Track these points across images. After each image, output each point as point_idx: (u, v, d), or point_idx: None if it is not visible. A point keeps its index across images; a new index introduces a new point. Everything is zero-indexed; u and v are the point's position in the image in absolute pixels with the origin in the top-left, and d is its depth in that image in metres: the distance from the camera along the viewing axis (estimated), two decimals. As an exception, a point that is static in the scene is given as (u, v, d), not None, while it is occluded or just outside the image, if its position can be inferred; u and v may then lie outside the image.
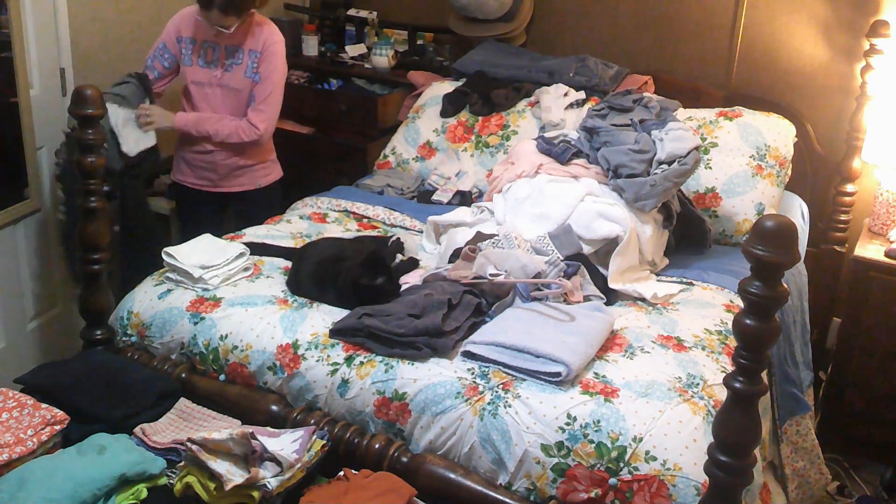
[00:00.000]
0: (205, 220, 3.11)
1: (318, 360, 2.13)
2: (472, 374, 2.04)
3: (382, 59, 3.89)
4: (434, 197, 3.18)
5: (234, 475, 1.76)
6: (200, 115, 3.05)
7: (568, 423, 1.89)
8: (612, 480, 1.83)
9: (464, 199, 3.15)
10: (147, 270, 2.52)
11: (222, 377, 2.25)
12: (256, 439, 1.82)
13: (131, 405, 2.04)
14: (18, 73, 2.80)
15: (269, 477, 1.79)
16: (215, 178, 3.15)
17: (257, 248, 2.62)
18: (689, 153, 2.63)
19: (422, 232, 2.89)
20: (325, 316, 2.26)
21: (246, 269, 2.48)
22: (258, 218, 2.99)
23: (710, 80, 3.52)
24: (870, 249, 3.04)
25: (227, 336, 2.24)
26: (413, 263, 2.61)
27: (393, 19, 4.11)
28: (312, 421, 2.04)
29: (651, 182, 2.57)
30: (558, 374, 1.97)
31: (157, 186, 3.60)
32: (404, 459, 1.96)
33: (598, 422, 1.88)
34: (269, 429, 1.97)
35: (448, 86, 3.59)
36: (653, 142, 2.70)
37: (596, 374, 2.04)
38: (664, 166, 2.62)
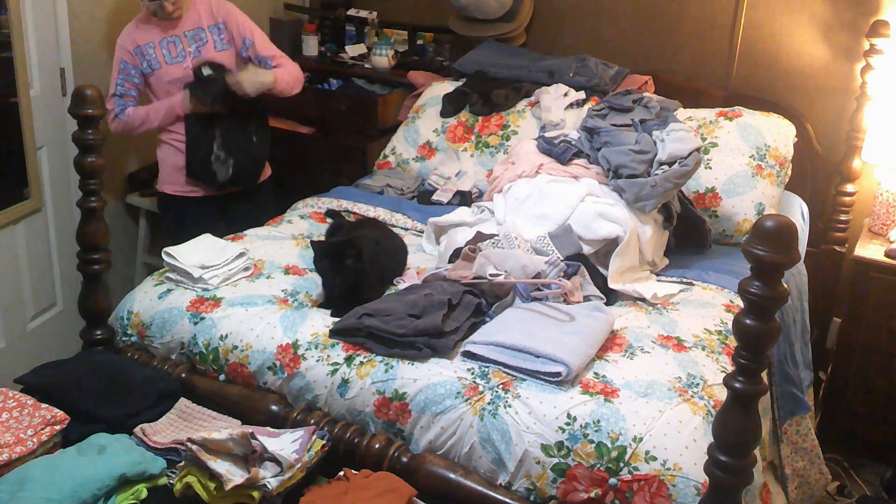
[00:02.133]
0: (198, 229, 2.94)
1: (318, 360, 2.13)
2: (472, 374, 2.04)
3: (382, 59, 3.89)
4: (434, 197, 3.18)
5: (234, 475, 1.76)
6: (274, 72, 3.04)
7: (568, 423, 1.89)
8: (612, 480, 1.83)
9: (464, 199, 3.15)
10: None
11: (222, 377, 2.25)
12: (256, 439, 1.82)
13: (131, 405, 2.03)
14: (18, 73, 2.80)
15: (269, 477, 1.79)
16: None
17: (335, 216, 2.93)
18: (690, 154, 2.63)
19: (422, 233, 2.89)
20: (325, 316, 2.27)
21: (246, 268, 2.49)
22: (254, 219, 2.96)
23: (710, 80, 3.52)
24: (870, 249, 3.04)
25: (227, 336, 2.24)
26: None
27: (393, 19, 4.11)
28: (312, 421, 2.04)
29: (652, 183, 2.57)
30: (558, 374, 1.97)
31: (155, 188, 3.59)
32: (404, 459, 1.96)
33: (598, 422, 1.88)
34: (269, 429, 1.97)
35: (448, 86, 3.59)
36: (654, 142, 2.70)
37: (596, 374, 2.04)
38: (665, 167, 2.62)
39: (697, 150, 2.67)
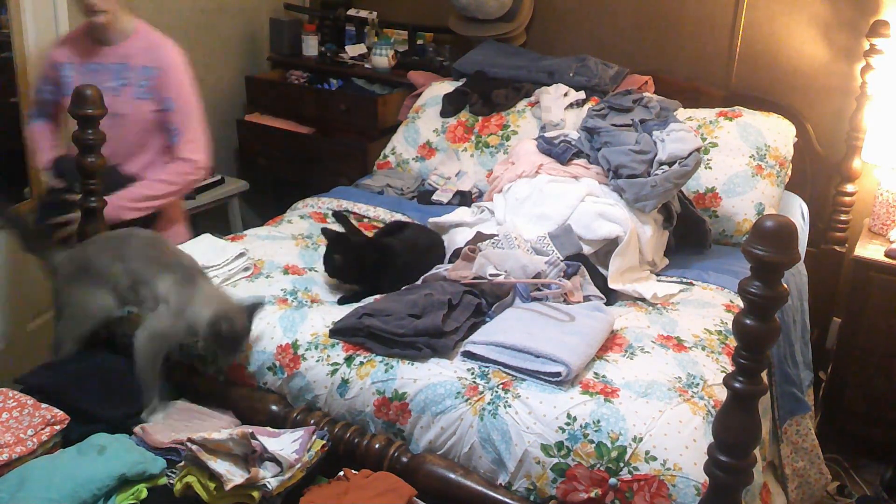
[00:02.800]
0: None
1: (317, 361, 2.13)
2: (472, 374, 2.04)
3: (382, 59, 3.89)
4: (434, 197, 3.18)
5: (234, 475, 1.76)
6: (129, 192, 2.54)
7: (568, 423, 1.89)
8: (612, 480, 1.83)
9: (464, 199, 3.15)
10: None
11: (222, 377, 2.24)
12: (256, 439, 1.82)
13: (131, 405, 2.03)
14: (18, 73, 2.80)
15: (269, 477, 1.79)
16: None
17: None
18: (690, 154, 2.63)
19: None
20: (325, 316, 2.26)
21: (246, 269, 2.49)
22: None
23: (710, 80, 3.52)
24: (870, 249, 3.04)
25: (227, 336, 2.24)
26: None
27: (393, 19, 4.11)
28: (312, 421, 2.04)
29: (652, 183, 2.57)
30: (558, 374, 1.97)
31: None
32: (404, 459, 1.96)
33: (598, 422, 1.88)
34: (269, 429, 1.97)
35: (448, 86, 3.59)
36: (653, 142, 2.70)
37: (596, 374, 2.04)
38: (665, 167, 2.62)
39: (697, 150, 2.67)
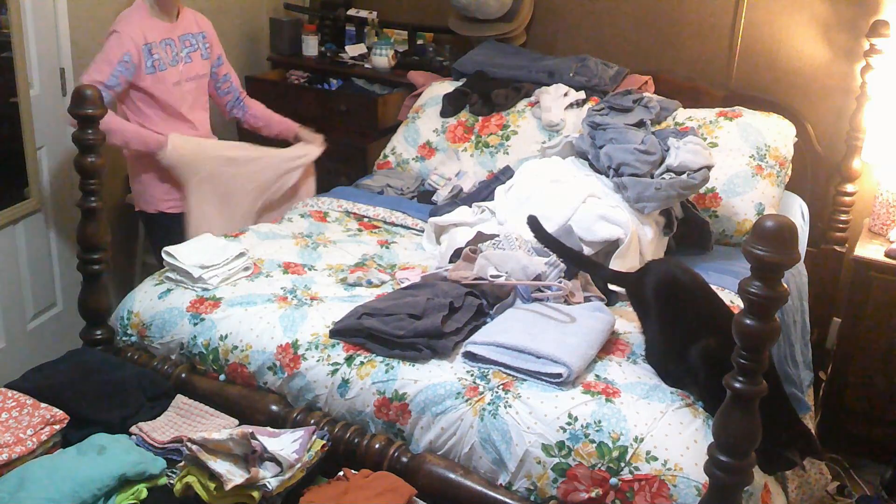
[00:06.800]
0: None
1: (318, 360, 2.13)
2: (472, 374, 2.04)
3: (382, 59, 3.89)
4: (434, 197, 3.18)
5: (234, 475, 1.76)
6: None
7: (569, 423, 1.89)
8: (613, 480, 1.83)
9: (464, 199, 3.14)
10: None
11: (222, 377, 2.24)
12: (256, 439, 1.82)
13: (127, 406, 2.03)
14: (18, 73, 2.80)
15: (269, 477, 1.79)
16: None
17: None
18: (699, 169, 2.63)
19: (423, 231, 2.89)
20: (326, 315, 2.26)
21: (246, 268, 2.49)
22: None
23: (710, 80, 3.52)
24: (870, 249, 3.04)
25: (226, 336, 2.24)
26: None
27: (393, 19, 4.11)
28: (312, 421, 2.04)
29: (657, 185, 2.57)
30: (559, 376, 1.97)
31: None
32: (404, 459, 1.96)
33: (600, 422, 1.88)
34: (269, 429, 1.97)
35: (448, 86, 3.59)
36: (659, 144, 2.69)
37: (597, 376, 2.04)
38: (671, 174, 2.62)
39: (708, 167, 2.66)
